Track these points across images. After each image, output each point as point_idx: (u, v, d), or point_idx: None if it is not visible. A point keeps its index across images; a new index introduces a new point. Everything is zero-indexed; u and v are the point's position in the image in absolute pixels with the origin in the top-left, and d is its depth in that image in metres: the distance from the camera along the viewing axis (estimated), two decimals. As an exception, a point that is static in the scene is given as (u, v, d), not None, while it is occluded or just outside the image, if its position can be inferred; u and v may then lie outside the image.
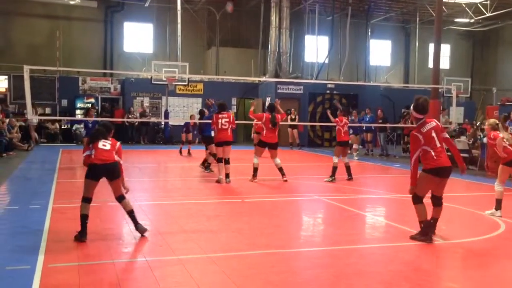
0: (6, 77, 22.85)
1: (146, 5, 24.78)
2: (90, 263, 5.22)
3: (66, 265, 5.13)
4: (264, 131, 11.61)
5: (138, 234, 6.43)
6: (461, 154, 15.32)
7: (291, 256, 5.77)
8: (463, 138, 15.48)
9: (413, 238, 6.46)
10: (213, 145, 11.97)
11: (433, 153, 6.29)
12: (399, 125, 19.61)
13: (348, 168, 11.88)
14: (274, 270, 5.15)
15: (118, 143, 6.65)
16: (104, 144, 6.42)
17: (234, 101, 25.19)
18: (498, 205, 8.18)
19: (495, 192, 8.28)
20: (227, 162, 11.07)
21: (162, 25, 26.40)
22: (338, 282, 4.89)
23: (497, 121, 8.62)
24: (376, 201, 9.77)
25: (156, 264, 5.23)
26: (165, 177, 13.35)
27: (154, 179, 12.67)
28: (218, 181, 10.95)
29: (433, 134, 6.34)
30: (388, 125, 18.63)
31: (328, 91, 23.84)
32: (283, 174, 11.43)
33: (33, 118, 18.38)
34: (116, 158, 6.43)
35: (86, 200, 6.29)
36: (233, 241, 6.26)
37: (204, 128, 13.37)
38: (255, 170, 11.42)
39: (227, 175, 11.07)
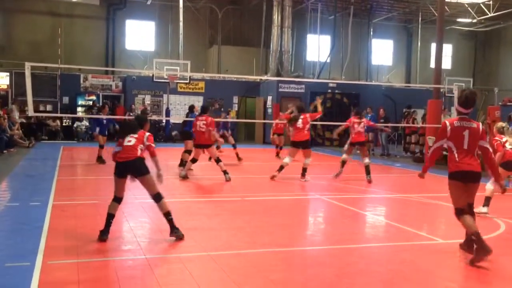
0: (8, 74, 22.84)
1: (148, 3, 24.78)
2: (89, 261, 5.21)
3: (65, 262, 5.13)
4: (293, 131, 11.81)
5: (138, 232, 6.43)
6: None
7: (292, 255, 5.76)
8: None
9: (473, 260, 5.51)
10: (190, 141, 12.44)
11: (456, 155, 5.70)
12: (401, 124, 19.59)
13: (366, 168, 11.72)
14: (274, 268, 5.14)
15: (147, 134, 6.28)
16: (129, 140, 6.13)
17: (235, 99, 25.19)
18: (487, 202, 8.22)
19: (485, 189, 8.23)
20: (217, 161, 11.11)
21: (164, 23, 26.38)
22: (338, 281, 4.88)
23: (503, 125, 8.54)
24: (376, 201, 9.76)
25: (156, 262, 5.23)
26: (165, 175, 13.28)
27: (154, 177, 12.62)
28: (182, 177, 11.19)
29: (465, 133, 5.71)
30: (389, 124, 18.60)
31: (329, 90, 23.82)
32: (303, 175, 11.44)
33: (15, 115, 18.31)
34: (140, 152, 6.14)
35: (115, 199, 6.15)
36: (233, 239, 6.25)
37: (186, 123, 13.38)
38: (281, 167, 11.46)
39: (224, 172, 11.08)
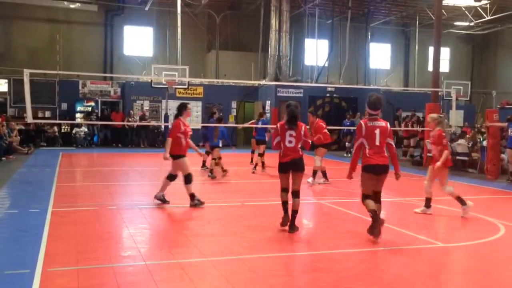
0: (6, 80, 22.86)
1: (146, 8, 24.83)
2: (89, 267, 5.21)
3: (65, 269, 5.13)
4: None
5: (138, 238, 6.43)
6: (461, 158, 15.39)
7: (291, 260, 5.76)
8: (462, 141, 15.48)
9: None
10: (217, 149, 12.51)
11: (367, 151, 6.70)
12: (398, 128, 19.61)
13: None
14: (274, 273, 5.14)
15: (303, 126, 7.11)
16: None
17: (234, 104, 25.20)
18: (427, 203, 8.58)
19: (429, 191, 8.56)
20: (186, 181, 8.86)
21: (162, 29, 26.44)
22: (338, 286, 4.88)
23: (441, 115, 8.78)
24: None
25: (156, 268, 5.23)
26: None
27: (154, 182, 12.62)
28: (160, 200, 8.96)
29: (376, 132, 6.71)
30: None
31: (328, 95, 23.85)
32: (325, 177, 11.87)
33: None
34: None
35: (283, 190, 7.11)
36: (233, 244, 6.25)
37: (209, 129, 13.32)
38: (315, 173, 11.67)
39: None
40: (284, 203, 7.16)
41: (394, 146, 6.92)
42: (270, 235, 6.84)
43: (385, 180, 6.85)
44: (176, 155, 8.60)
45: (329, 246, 6.44)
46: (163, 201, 8.80)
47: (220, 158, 12.82)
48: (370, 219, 6.65)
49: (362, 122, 6.85)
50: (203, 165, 13.93)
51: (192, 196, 8.62)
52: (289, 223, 7.02)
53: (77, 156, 18.50)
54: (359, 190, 8.78)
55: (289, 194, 7.06)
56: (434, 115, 8.75)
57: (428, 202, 8.61)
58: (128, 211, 8.18)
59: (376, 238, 6.50)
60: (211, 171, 12.53)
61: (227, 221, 7.74)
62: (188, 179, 8.55)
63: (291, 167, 7.00)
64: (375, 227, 6.52)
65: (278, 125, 7.13)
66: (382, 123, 6.83)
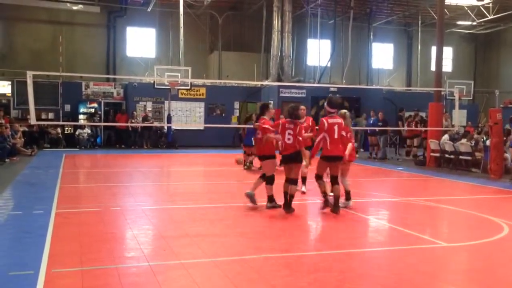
0: (10, 82, 22.92)
1: (149, 10, 24.86)
2: (93, 268, 5.22)
3: (69, 270, 5.14)
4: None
5: (142, 239, 6.45)
6: (464, 157, 15.36)
7: (295, 260, 5.76)
8: (464, 140, 15.46)
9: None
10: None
11: (328, 144, 8.05)
12: (401, 128, 19.59)
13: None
14: (277, 274, 5.15)
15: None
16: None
17: (236, 105, 25.21)
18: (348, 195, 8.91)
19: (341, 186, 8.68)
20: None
21: (165, 30, 26.47)
22: (341, 286, 4.88)
23: (347, 111, 9.12)
24: (378, 205, 9.74)
25: (160, 269, 5.24)
26: (168, 181, 13.37)
27: (157, 183, 12.68)
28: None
29: (335, 127, 8.08)
30: (389, 128, 18.62)
31: (330, 95, 23.80)
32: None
33: None
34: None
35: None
36: (236, 245, 6.26)
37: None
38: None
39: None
40: (285, 193, 8.17)
41: (347, 137, 8.36)
42: (273, 236, 6.85)
43: (339, 165, 8.29)
44: (268, 156, 8.50)
45: (332, 246, 6.44)
46: (254, 201, 8.65)
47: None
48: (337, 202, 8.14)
49: (323, 119, 8.15)
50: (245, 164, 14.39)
51: (270, 198, 8.52)
52: (284, 204, 8.14)
53: (80, 157, 18.54)
54: (361, 190, 8.79)
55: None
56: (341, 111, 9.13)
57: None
58: (131, 212, 8.20)
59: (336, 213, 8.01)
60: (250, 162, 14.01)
61: (230, 221, 7.75)
62: (270, 180, 8.44)
63: (290, 159, 8.07)
64: (325, 206, 8.24)
65: (280, 122, 8.28)
66: (339, 120, 8.27)
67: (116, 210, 8.46)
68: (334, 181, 8.19)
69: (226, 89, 24.98)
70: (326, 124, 8.09)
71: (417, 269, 5.46)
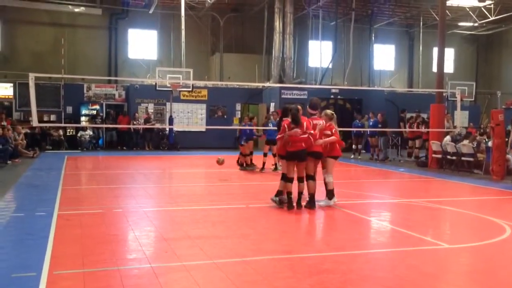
0: (12, 84, 22.96)
1: (150, 12, 24.89)
2: (95, 270, 5.23)
3: (71, 272, 5.15)
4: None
5: (144, 241, 6.45)
6: (466, 158, 15.35)
7: (296, 262, 5.76)
8: (466, 142, 15.43)
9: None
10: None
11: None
12: (403, 129, 19.57)
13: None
14: (279, 275, 5.15)
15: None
16: None
17: (238, 106, 25.22)
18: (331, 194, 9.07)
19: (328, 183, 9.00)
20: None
21: (166, 32, 26.50)
22: (343, 288, 4.88)
23: (333, 112, 9.44)
24: (380, 206, 9.75)
25: (161, 271, 5.24)
26: (170, 183, 13.37)
27: (159, 185, 12.69)
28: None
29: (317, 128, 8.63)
30: (387, 129, 18.59)
31: (332, 96, 23.84)
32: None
33: None
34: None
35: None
36: (238, 246, 6.26)
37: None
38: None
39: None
40: (289, 194, 8.58)
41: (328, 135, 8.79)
42: (275, 237, 6.85)
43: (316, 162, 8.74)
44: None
45: (335, 248, 6.44)
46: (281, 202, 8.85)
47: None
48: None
49: (285, 124, 8.46)
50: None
51: (279, 193, 8.83)
52: (297, 201, 8.61)
53: (82, 159, 18.56)
54: (363, 191, 8.79)
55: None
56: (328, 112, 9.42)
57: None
58: (133, 214, 8.20)
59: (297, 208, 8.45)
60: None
61: (232, 223, 7.75)
62: (285, 178, 8.78)
63: (296, 157, 8.46)
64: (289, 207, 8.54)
65: (285, 124, 8.53)
66: (320, 121, 8.79)
67: (118, 212, 8.47)
68: (309, 178, 8.70)
69: (227, 91, 25.00)
70: (311, 125, 8.62)
71: (420, 270, 5.45)
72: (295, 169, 8.67)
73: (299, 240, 6.93)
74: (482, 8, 25.92)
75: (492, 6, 25.48)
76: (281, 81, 24.20)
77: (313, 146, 8.55)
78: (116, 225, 7.57)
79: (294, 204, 8.65)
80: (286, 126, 8.49)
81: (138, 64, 26.09)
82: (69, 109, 23.65)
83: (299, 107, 9.44)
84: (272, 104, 23.94)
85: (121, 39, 26.49)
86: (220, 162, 13.60)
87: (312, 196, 8.71)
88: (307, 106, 8.99)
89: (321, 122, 8.73)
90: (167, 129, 23.28)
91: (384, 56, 30.90)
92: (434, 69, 21.78)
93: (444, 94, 19.55)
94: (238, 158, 15.18)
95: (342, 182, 11.94)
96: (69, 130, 22.88)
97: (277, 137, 8.88)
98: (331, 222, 8.32)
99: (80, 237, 6.60)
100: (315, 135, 8.57)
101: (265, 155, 14.84)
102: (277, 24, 24.51)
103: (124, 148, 22.87)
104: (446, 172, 15.25)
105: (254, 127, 15.62)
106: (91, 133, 22.66)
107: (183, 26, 23.09)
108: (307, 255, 6.06)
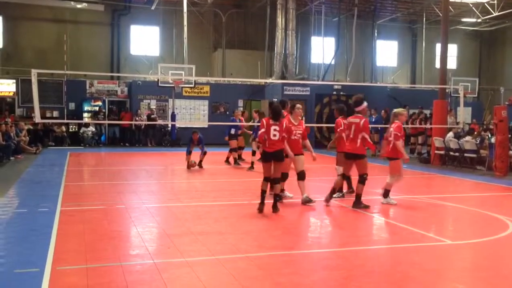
0: (14, 81, 22.97)
1: (153, 8, 24.87)
2: (98, 266, 5.23)
3: (74, 267, 5.16)
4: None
5: (146, 237, 6.46)
6: (469, 155, 15.31)
7: (299, 258, 5.76)
8: (469, 138, 15.40)
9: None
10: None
11: (267, 142, 8.06)
12: (405, 125, 19.52)
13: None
14: (282, 271, 5.15)
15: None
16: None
17: (240, 103, 25.21)
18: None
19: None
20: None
21: (169, 28, 26.48)
22: (346, 284, 4.88)
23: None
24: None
25: (164, 267, 5.25)
26: (172, 179, 13.38)
27: (162, 181, 12.70)
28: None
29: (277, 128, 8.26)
30: (380, 125, 18.56)
31: (334, 92, 23.80)
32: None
33: None
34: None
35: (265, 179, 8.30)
36: (240, 242, 6.26)
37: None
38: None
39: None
40: (263, 192, 8.11)
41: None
42: (278, 233, 6.85)
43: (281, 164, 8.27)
44: (296, 154, 8.82)
45: (338, 244, 6.44)
46: (309, 201, 8.89)
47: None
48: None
49: (264, 120, 8.24)
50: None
51: (280, 191, 8.79)
52: (272, 204, 8.12)
53: (85, 155, 18.58)
54: (366, 188, 8.79)
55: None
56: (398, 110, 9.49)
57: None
58: (136, 210, 8.21)
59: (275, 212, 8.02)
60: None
61: (234, 219, 7.74)
62: (301, 175, 8.92)
63: (273, 157, 8.06)
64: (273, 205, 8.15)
65: (264, 120, 8.26)
66: (358, 120, 8.73)
67: (120, 208, 8.47)
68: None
69: (230, 87, 24.98)
70: (266, 124, 8.18)
71: (423, 267, 5.44)
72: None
73: (302, 236, 6.93)
74: (485, 4, 25.84)
75: (495, 1, 25.38)
76: (283, 77, 24.18)
77: (344, 147, 8.87)
78: (119, 221, 7.58)
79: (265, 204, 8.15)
80: (265, 122, 8.20)
81: (141, 60, 26.07)
82: (72, 106, 23.65)
83: (299, 105, 9.42)
84: (275, 100, 23.93)
85: (123, 35, 26.49)
86: (191, 164, 14.02)
87: (357, 196, 8.75)
88: (352, 104, 9.07)
89: (358, 121, 8.71)
90: (170, 126, 23.29)
91: (386, 52, 30.83)
92: (437, 65, 21.72)
93: (447, 90, 19.49)
94: (228, 157, 15.49)
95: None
96: (71, 126, 22.90)
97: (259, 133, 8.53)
98: (334, 218, 8.32)
99: (83, 233, 6.61)
100: (289, 135, 8.38)
101: (253, 153, 14.57)
102: (280, 20, 24.46)
103: (127, 144, 22.88)
104: (449, 169, 15.23)
105: (243, 123, 15.65)
106: (93, 129, 22.68)
107: (185, 22, 23.07)
108: (310, 251, 6.06)
